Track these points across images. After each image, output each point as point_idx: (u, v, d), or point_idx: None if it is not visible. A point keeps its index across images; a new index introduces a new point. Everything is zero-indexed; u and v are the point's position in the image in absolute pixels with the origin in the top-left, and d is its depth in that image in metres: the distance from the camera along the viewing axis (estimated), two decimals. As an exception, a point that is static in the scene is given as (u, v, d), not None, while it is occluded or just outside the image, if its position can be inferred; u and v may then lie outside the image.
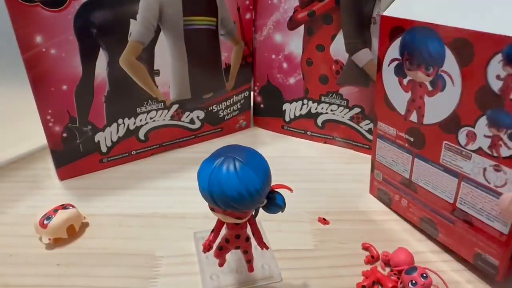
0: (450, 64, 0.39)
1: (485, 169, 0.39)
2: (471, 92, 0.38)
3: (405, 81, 0.44)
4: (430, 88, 0.42)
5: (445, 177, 0.43)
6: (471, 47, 0.37)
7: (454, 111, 0.40)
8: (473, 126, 0.39)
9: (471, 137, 0.39)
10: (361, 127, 0.64)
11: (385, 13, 0.44)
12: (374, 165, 0.53)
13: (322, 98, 0.64)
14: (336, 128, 0.66)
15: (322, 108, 0.65)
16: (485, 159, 0.39)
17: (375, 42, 0.57)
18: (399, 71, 0.45)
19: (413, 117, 0.45)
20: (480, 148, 0.39)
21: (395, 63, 0.45)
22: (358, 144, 0.65)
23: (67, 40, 0.50)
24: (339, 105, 0.64)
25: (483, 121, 0.38)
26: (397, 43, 0.44)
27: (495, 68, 0.35)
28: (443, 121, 0.42)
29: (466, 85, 0.38)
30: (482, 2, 0.38)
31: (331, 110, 0.65)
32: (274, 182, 0.35)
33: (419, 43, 0.41)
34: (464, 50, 0.37)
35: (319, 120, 0.66)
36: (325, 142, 0.67)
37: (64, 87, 0.52)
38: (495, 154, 0.38)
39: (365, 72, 0.59)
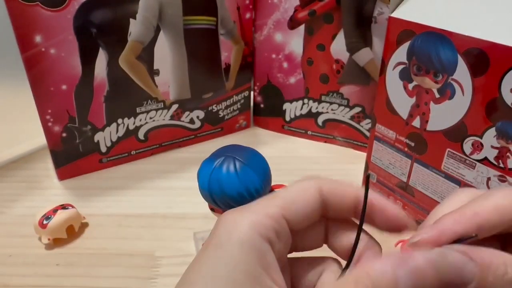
0: (462, 73, 0.38)
1: (489, 179, 0.39)
2: (482, 103, 0.37)
3: (410, 86, 0.43)
4: (437, 95, 0.41)
5: (445, 184, 0.43)
6: (487, 58, 0.36)
7: (461, 120, 0.39)
8: (481, 137, 0.38)
9: (477, 147, 0.39)
10: (362, 126, 0.63)
11: (394, 15, 0.42)
12: (368, 166, 0.53)
13: (323, 98, 0.64)
14: (336, 128, 0.66)
15: (323, 108, 0.65)
16: (490, 169, 0.38)
17: (375, 41, 0.57)
18: (405, 76, 0.43)
19: (416, 123, 0.44)
20: (485, 158, 0.38)
21: (401, 67, 0.43)
22: (359, 143, 0.65)
23: (66, 40, 0.50)
24: (339, 105, 0.63)
25: (491, 132, 0.37)
26: (405, 47, 0.42)
27: (510, 81, 0.35)
28: (448, 129, 0.41)
29: (477, 96, 0.38)
30: (497, 9, 0.37)
31: (332, 110, 0.64)
32: (274, 182, 0.35)
33: (430, 49, 0.40)
34: (478, 61, 0.36)
35: (320, 120, 0.66)
36: (325, 142, 0.67)
37: (64, 86, 0.52)
38: (502, 165, 0.37)
39: (366, 71, 0.59)
